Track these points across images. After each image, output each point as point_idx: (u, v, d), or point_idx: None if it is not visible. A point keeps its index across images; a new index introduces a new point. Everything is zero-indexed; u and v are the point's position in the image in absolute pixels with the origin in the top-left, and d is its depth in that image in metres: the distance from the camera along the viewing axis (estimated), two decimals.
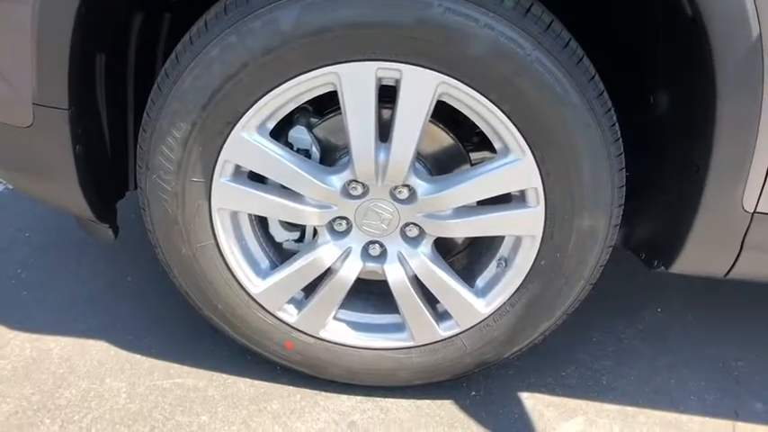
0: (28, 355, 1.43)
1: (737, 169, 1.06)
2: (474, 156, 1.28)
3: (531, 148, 1.07)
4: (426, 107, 1.06)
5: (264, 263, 1.29)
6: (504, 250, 1.24)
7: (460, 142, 1.23)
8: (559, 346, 1.54)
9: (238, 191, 1.16)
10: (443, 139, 1.22)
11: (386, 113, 1.13)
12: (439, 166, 1.24)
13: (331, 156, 1.23)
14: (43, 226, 1.85)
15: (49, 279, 1.66)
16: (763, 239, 1.14)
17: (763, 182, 1.08)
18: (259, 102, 1.06)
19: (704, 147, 1.06)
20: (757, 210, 1.11)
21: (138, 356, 1.45)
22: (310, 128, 1.21)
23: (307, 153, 1.20)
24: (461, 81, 1.01)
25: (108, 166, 1.31)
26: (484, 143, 1.22)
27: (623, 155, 1.11)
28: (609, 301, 1.72)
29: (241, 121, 1.08)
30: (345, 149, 1.18)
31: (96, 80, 1.18)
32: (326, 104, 1.20)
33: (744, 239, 1.15)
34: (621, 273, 1.80)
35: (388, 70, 1.02)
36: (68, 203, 1.24)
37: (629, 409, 1.42)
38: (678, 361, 1.56)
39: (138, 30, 1.27)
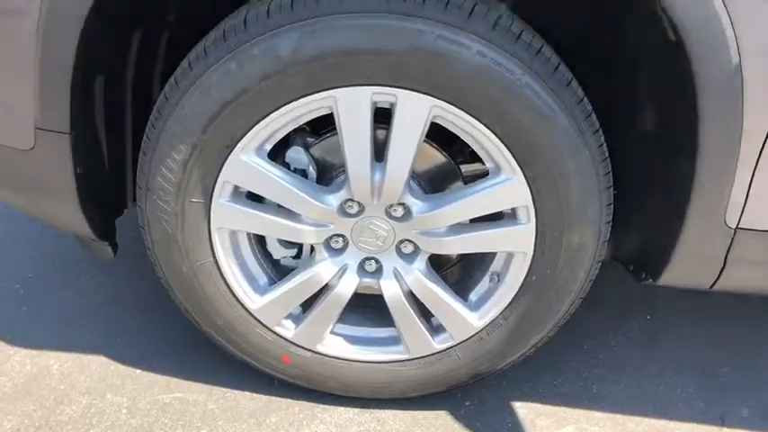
0: (28, 371, 1.45)
1: (720, 187, 1.10)
2: (466, 168, 1.31)
3: (521, 168, 1.10)
4: (420, 129, 1.09)
5: (263, 279, 1.32)
6: (496, 265, 1.28)
7: (453, 157, 1.27)
8: (551, 355, 1.57)
9: (237, 211, 1.19)
10: (437, 157, 1.25)
11: (381, 133, 1.16)
12: (432, 183, 1.27)
13: (327, 174, 1.26)
14: (42, 241, 1.86)
15: (49, 295, 1.68)
16: (745, 254, 1.18)
17: (744, 199, 1.12)
18: (257, 125, 1.09)
19: (689, 165, 1.10)
20: (739, 226, 1.15)
21: (139, 371, 1.47)
22: (307, 147, 1.24)
23: (303, 172, 1.23)
24: (454, 105, 1.05)
25: (107, 184, 1.33)
26: (476, 156, 1.25)
27: (611, 173, 1.15)
28: (599, 308, 1.76)
29: (240, 143, 1.11)
30: (341, 168, 1.21)
31: (95, 101, 1.20)
32: (323, 124, 1.23)
33: (727, 254, 1.19)
34: (611, 281, 1.84)
35: (384, 95, 1.05)
36: (69, 223, 1.26)
37: (619, 416, 1.46)
38: (667, 367, 1.60)
39: (136, 49, 1.29)
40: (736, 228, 1.15)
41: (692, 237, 1.17)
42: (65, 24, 1.03)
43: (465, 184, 1.27)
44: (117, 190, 1.39)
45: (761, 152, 1.06)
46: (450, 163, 1.27)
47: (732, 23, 0.95)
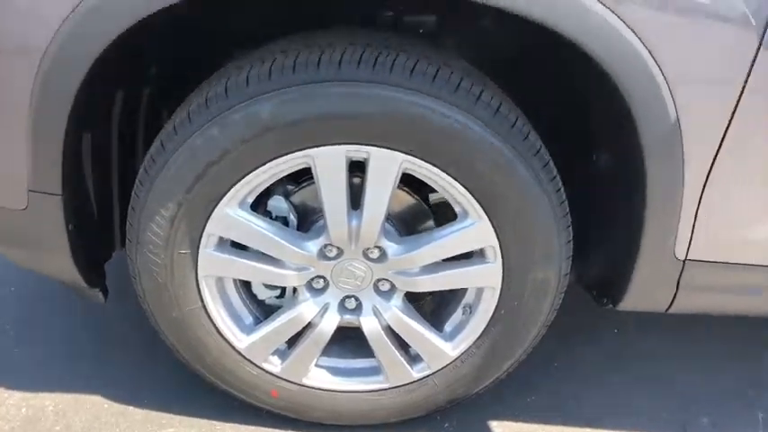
0: (24, 414, 1.50)
1: (668, 224, 1.21)
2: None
3: (486, 213, 1.20)
4: (392, 180, 1.18)
5: (249, 319, 1.39)
6: (468, 298, 1.37)
7: (423, 200, 1.36)
8: (524, 374, 1.65)
9: (222, 259, 1.26)
10: (409, 200, 1.34)
11: (356, 180, 1.24)
12: (406, 223, 1.36)
13: (308, 218, 1.34)
14: (28, 280, 1.90)
15: (39, 335, 1.73)
16: (694, 282, 1.29)
17: (690, 234, 1.23)
18: (240, 182, 1.16)
19: (641, 204, 1.21)
20: (687, 257, 1.26)
21: (132, 408, 1.53)
22: (287, 195, 1.32)
23: (285, 219, 1.31)
24: (422, 160, 1.14)
25: (96, 233, 1.39)
26: None
27: (569, 214, 1.25)
28: (568, 327, 1.85)
29: (224, 199, 1.18)
30: (321, 212, 1.28)
31: (83, 161, 1.26)
32: (302, 172, 1.30)
33: (678, 282, 1.30)
34: (578, 297, 1.94)
35: (357, 151, 1.14)
36: (62, 274, 1.32)
37: (588, 430, 1.56)
38: (633, 381, 1.70)
39: (120, 106, 1.36)
40: (685, 259, 1.26)
41: (646, 268, 1.28)
42: (57, 98, 1.09)
43: (435, 221, 1.36)
44: (105, 236, 1.45)
45: (701, 195, 1.17)
46: (421, 204, 1.36)
47: (668, 85, 1.05)
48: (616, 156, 1.26)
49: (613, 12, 1.02)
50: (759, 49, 1.06)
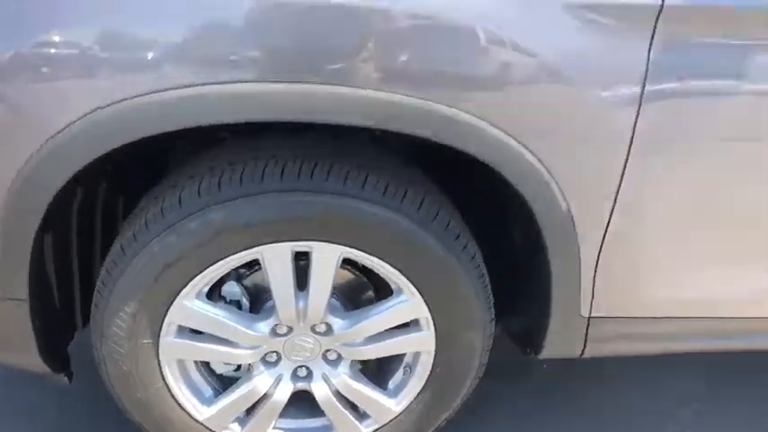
0: None
1: (571, 290, 1.42)
2: None
3: (418, 291, 1.37)
4: (334, 266, 1.33)
5: (208, 392, 1.51)
6: (408, 359, 1.53)
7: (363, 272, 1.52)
8: (463, 412, 1.83)
9: (182, 344, 1.39)
10: (350, 276, 1.50)
11: (302, 262, 1.38)
12: (349, 296, 1.51)
13: (260, 297, 1.47)
14: None
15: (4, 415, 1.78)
16: (599, 334, 1.51)
17: (591, 297, 1.44)
18: (196, 278, 1.30)
19: (547, 273, 1.41)
20: (591, 315, 1.47)
21: None
22: (239, 279, 1.45)
23: (238, 302, 1.44)
24: (359, 250, 1.30)
25: (59, 322, 1.49)
26: None
27: (489, 286, 1.44)
28: (500, 371, 2.04)
29: (181, 293, 1.31)
30: (271, 292, 1.42)
31: (46, 260, 1.36)
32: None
33: (586, 335, 1.51)
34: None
35: (302, 246, 1.29)
36: (28, 366, 1.41)
37: None
38: (559, 414, 1.91)
39: (79, 203, 1.46)
40: (589, 316, 1.47)
41: (557, 325, 1.48)
42: (26, 217, 1.20)
43: (375, 292, 1.52)
44: (67, 321, 1.54)
45: (596, 264, 1.38)
46: (361, 278, 1.52)
47: (558, 184, 1.25)
48: (525, 235, 1.46)
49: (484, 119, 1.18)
50: (632, 138, 1.27)
